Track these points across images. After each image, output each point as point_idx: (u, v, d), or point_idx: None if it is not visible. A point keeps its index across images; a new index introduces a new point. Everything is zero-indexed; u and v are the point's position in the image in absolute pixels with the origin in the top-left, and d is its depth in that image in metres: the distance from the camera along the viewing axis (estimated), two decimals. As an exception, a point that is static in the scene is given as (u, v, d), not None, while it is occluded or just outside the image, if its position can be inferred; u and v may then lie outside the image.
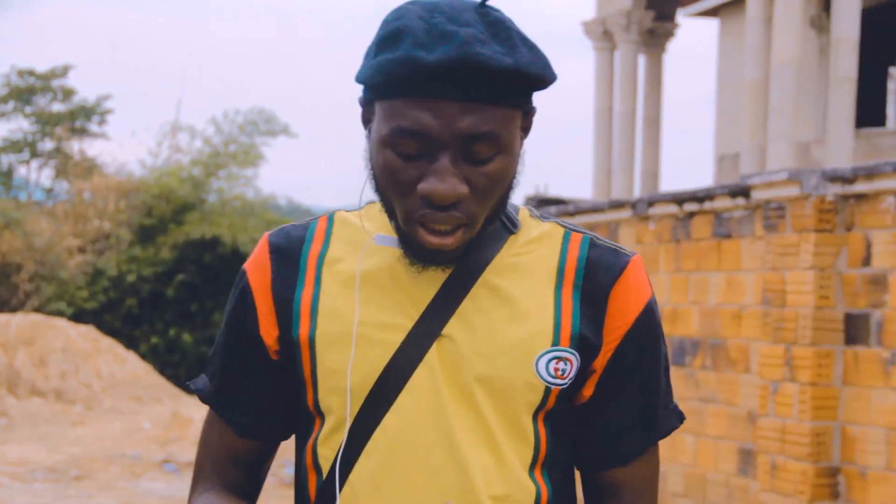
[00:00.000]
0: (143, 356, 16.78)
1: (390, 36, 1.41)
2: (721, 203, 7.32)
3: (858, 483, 6.25)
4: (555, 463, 1.55)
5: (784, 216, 6.61)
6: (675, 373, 7.83)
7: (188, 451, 10.61)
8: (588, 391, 1.56)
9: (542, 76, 1.42)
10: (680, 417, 1.65)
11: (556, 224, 1.58)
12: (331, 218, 1.59)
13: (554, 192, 16.28)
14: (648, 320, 1.56)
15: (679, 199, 7.73)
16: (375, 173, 1.47)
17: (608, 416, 1.58)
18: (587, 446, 1.59)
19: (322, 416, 1.52)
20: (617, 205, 8.49)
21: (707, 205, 7.46)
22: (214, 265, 17.80)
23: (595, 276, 1.54)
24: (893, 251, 6.05)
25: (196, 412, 12.08)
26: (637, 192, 16.12)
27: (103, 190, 18.48)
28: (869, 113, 17.74)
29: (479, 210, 1.44)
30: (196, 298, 17.88)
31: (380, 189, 1.48)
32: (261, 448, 1.59)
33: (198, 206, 18.60)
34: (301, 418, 1.56)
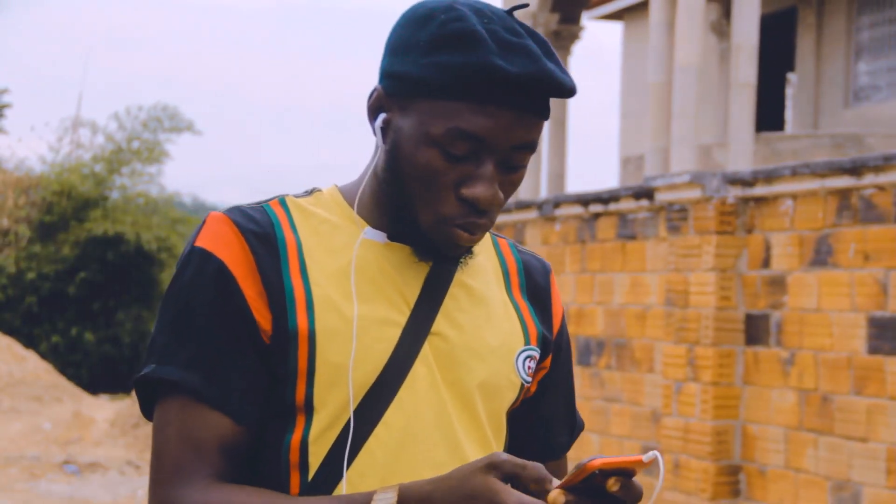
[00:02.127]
0: (44, 355, 16.47)
1: (456, 37, 1.42)
2: (625, 205, 7.42)
3: (758, 481, 6.38)
4: None
5: (686, 218, 6.72)
6: (580, 372, 7.92)
7: (89, 452, 10.45)
8: (534, 387, 1.65)
9: (576, 93, 1.49)
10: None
11: None
12: (283, 203, 1.55)
13: (460, 192, 16.33)
14: (565, 319, 1.71)
15: (584, 200, 7.82)
16: (407, 169, 1.46)
17: (544, 410, 1.67)
18: (526, 441, 1.66)
19: (309, 412, 1.47)
20: (524, 206, 8.56)
21: (612, 206, 7.56)
22: (117, 263, 17.54)
23: (533, 278, 1.66)
24: (791, 253, 6.19)
25: (98, 412, 11.90)
26: (543, 193, 16.24)
27: (1, 186, 18.10)
28: (768, 117, 18.11)
29: (498, 214, 1.50)
30: (99, 297, 17.61)
31: (407, 184, 1.46)
32: (250, 437, 1.49)
33: (100, 203, 18.31)
34: (275, 413, 1.49)
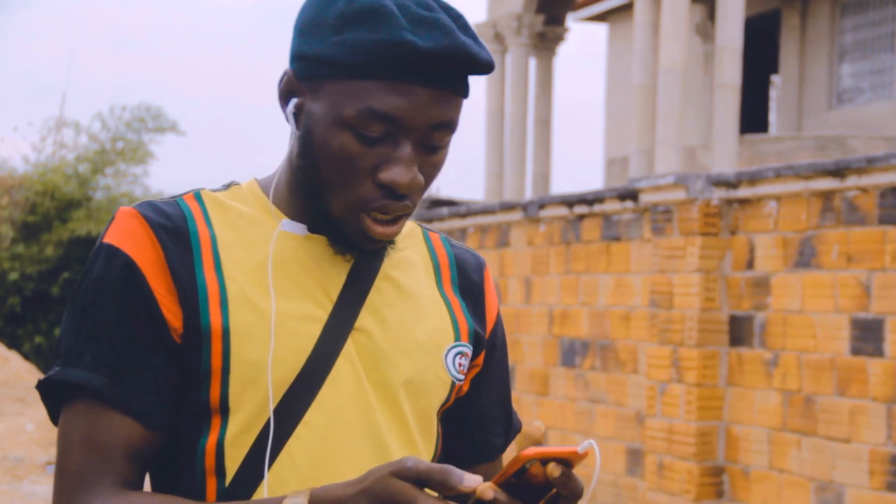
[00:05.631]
0: (27, 356, 16.41)
1: (365, 14, 1.36)
2: (610, 206, 7.43)
3: (742, 482, 6.40)
4: (439, 460, 1.56)
5: (671, 219, 6.74)
6: (565, 373, 7.93)
7: (73, 454, 10.40)
8: (466, 386, 1.58)
9: (493, 68, 1.43)
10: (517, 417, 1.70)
11: (412, 221, 1.60)
12: (198, 197, 1.47)
13: (446, 193, 16.35)
14: (500, 316, 1.64)
15: (569, 201, 7.82)
16: (321, 155, 1.39)
17: (478, 410, 1.61)
18: (458, 441, 1.60)
19: (224, 413, 1.40)
20: (508, 207, 8.56)
21: (596, 207, 7.57)
22: (101, 264, 17.49)
23: (466, 273, 1.59)
24: (775, 255, 6.21)
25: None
26: (528, 194, 16.26)
27: (-16, 186, 18.01)
28: (752, 119, 18.17)
29: (419, 198, 1.43)
30: (81, 298, 17.55)
31: (322, 171, 1.40)
32: (160, 441, 1.41)
33: (84, 204, 18.25)
34: (188, 415, 1.41)
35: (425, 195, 10.52)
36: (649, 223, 7.01)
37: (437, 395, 1.51)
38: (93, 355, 1.39)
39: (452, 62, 1.36)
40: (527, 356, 8.33)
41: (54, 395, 1.42)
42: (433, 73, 1.36)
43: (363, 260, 1.47)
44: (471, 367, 1.57)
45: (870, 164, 5.60)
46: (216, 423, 1.40)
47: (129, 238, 1.41)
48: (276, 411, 1.40)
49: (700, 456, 6.49)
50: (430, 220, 9.65)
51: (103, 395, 1.38)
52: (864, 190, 5.69)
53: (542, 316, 8.16)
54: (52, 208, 17.94)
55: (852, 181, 5.70)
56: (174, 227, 1.42)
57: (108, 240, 1.42)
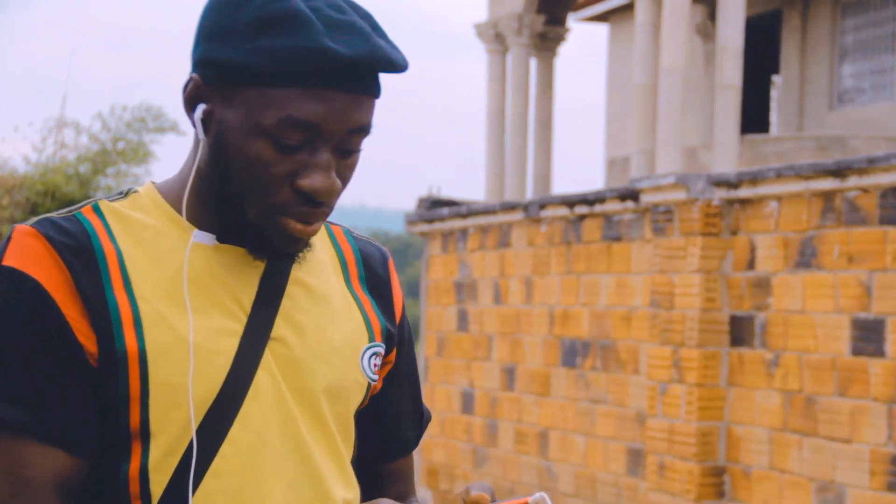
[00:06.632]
0: (27, 356, 16.42)
1: (280, 18, 1.33)
2: (611, 206, 7.43)
3: (743, 482, 6.40)
4: (354, 460, 1.56)
5: (672, 220, 6.74)
6: (566, 374, 7.93)
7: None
8: (379, 384, 1.56)
9: (408, 68, 1.41)
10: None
11: None
12: (97, 210, 1.42)
13: (447, 193, 16.35)
14: (405, 307, 1.62)
15: (570, 201, 7.83)
16: (235, 163, 1.35)
17: (391, 405, 1.59)
18: (373, 439, 1.58)
19: (145, 438, 1.36)
20: (509, 207, 8.56)
21: (597, 208, 7.57)
22: (101, 264, 17.50)
23: (372, 268, 1.57)
24: (776, 255, 6.21)
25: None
26: (529, 195, 16.26)
27: (-14, 186, 18.03)
28: (753, 119, 18.16)
29: (336, 201, 1.41)
30: (82, 298, 17.56)
31: (235, 179, 1.37)
32: (86, 470, 1.37)
33: (84, 204, 18.27)
34: (109, 441, 1.37)
35: (426, 195, 10.49)
36: (650, 223, 7.01)
37: (355, 399, 1.50)
38: (8, 387, 1.34)
39: (372, 68, 1.35)
40: (527, 356, 8.33)
41: None
42: (351, 79, 1.34)
43: (273, 267, 1.44)
44: (383, 365, 1.56)
45: (870, 165, 5.60)
46: (137, 447, 1.37)
47: (34, 261, 1.35)
48: (199, 431, 1.37)
49: (701, 456, 6.49)
50: (430, 221, 9.65)
51: (27, 429, 1.33)
52: (864, 190, 5.69)
53: (542, 316, 8.17)
54: (52, 209, 17.94)
55: (853, 181, 5.71)
56: (78, 245, 1.37)
57: (8, 263, 1.36)
